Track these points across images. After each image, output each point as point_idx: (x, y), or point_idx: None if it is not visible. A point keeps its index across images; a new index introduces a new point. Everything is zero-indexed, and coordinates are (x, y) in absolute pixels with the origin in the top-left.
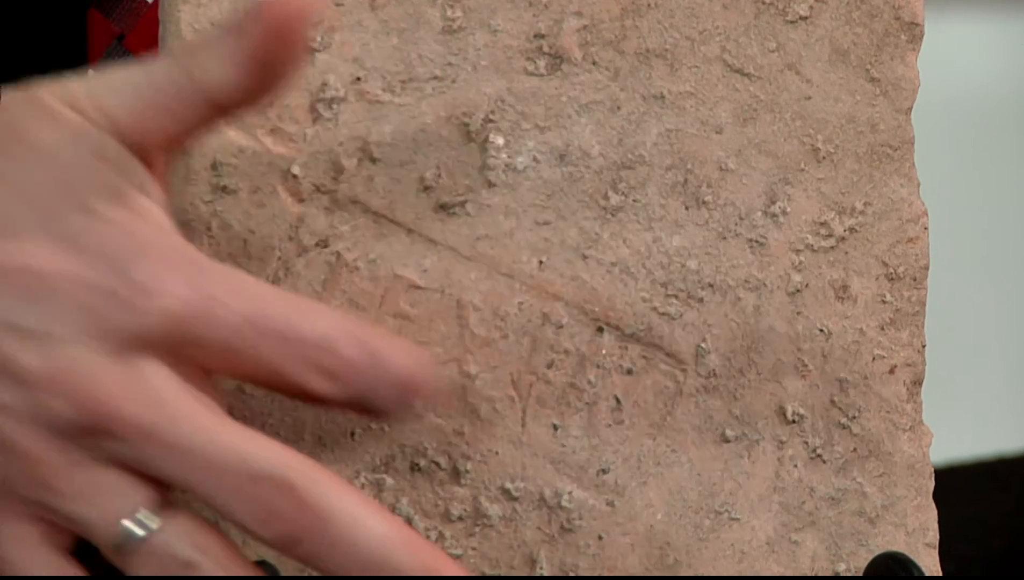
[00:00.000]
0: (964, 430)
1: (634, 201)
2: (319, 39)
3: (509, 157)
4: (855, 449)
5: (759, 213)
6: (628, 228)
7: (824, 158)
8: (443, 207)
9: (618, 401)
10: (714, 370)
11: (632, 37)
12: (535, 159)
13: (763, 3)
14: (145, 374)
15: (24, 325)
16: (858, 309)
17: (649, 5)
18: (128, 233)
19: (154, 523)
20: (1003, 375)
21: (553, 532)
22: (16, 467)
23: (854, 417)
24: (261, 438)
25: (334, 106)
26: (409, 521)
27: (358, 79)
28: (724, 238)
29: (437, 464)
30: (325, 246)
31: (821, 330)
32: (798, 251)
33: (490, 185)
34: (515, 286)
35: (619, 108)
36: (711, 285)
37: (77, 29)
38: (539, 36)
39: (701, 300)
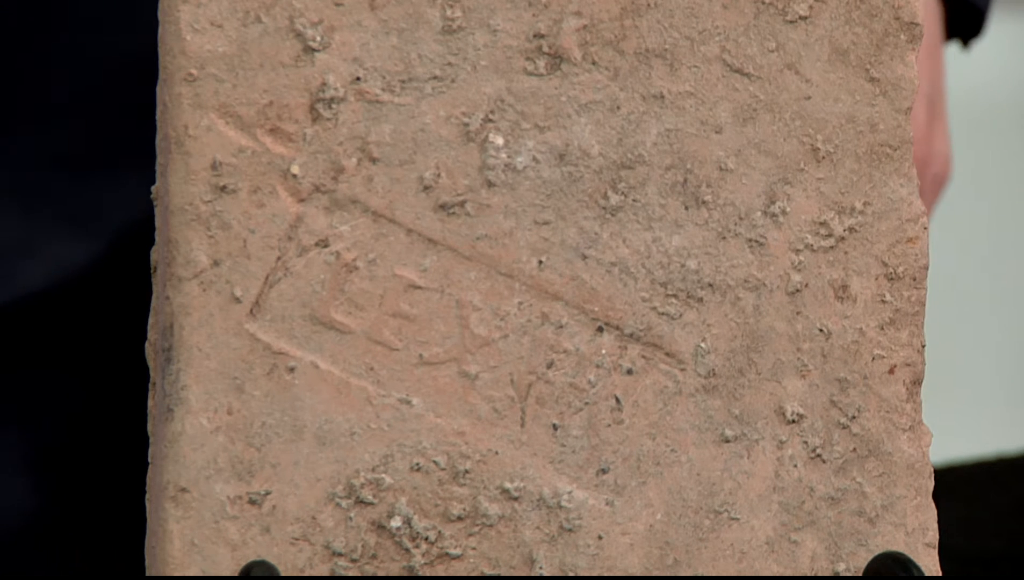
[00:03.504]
0: (964, 430)
1: (634, 201)
2: (319, 39)
3: (509, 157)
4: (855, 449)
5: (759, 213)
6: (628, 228)
7: (824, 158)
8: (443, 207)
9: (618, 401)
10: (714, 370)
11: (632, 37)
12: (535, 159)
13: (763, 3)
14: None
15: None
16: (858, 309)
17: (649, 5)
18: None
19: None
20: (1003, 375)
21: (552, 532)
22: None
23: (854, 417)
24: None
25: (334, 106)
26: (408, 521)
27: (358, 79)
28: (724, 238)
29: (436, 464)
30: (325, 246)
31: (821, 330)
32: (798, 251)
33: (490, 185)
34: (515, 286)
35: (619, 108)
36: (711, 285)
37: None
38: (539, 36)
39: (701, 300)
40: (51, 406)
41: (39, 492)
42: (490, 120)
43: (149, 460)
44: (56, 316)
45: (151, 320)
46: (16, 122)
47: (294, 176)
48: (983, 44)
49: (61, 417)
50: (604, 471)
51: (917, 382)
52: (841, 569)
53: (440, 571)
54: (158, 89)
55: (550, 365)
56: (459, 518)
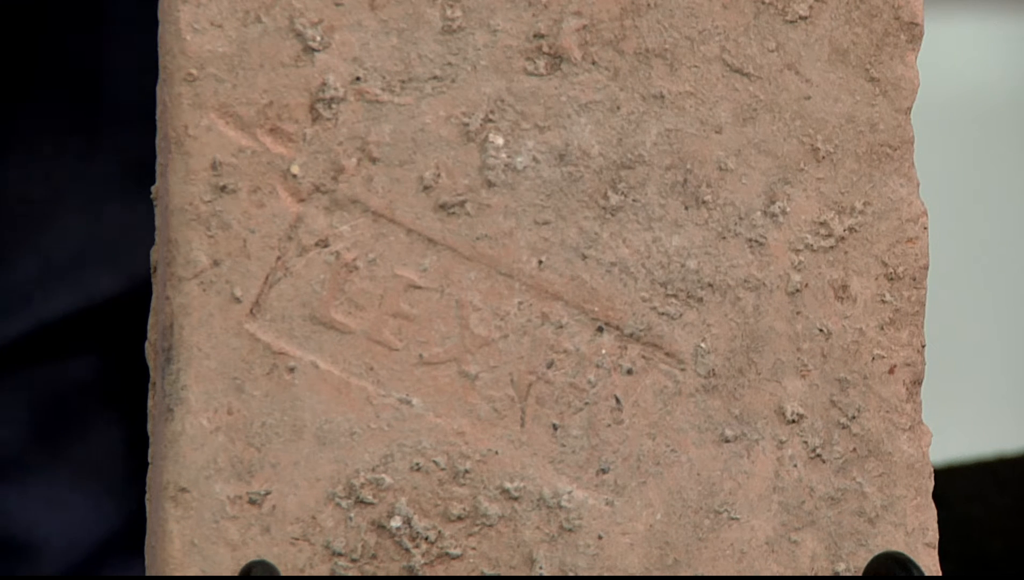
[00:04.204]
0: (964, 430)
1: (634, 201)
2: (319, 39)
3: (509, 157)
4: (855, 449)
5: (759, 213)
6: (628, 228)
7: (824, 158)
8: (443, 207)
9: (618, 401)
10: (714, 370)
11: (632, 37)
12: (535, 159)
13: (763, 3)
14: None
15: None
16: (858, 309)
17: (649, 5)
18: None
19: None
20: (1003, 375)
21: (552, 532)
22: None
23: (854, 417)
24: None
25: (334, 106)
26: (408, 521)
27: (358, 79)
28: (724, 238)
29: (436, 464)
30: (325, 246)
31: (821, 330)
32: (798, 251)
33: (490, 185)
34: (515, 286)
35: (619, 108)
36: (711, 285)
37: None
38: (539, 36)
39: (701, 300)
40: (129, 406)
41: (121, 494)
42: (490, 120)
43: (149, 460)
44: (131, 318)
45: (151, 320)
46: (90, 132)
47: (294, 176)
48: (983, 44)
49: (139, 416)
50: (604, 471)
51: (917, 382)
52: (841, 569)
53: (440, 571)
54: (158, 89)
55: (550, 365)
56: (459, 518)
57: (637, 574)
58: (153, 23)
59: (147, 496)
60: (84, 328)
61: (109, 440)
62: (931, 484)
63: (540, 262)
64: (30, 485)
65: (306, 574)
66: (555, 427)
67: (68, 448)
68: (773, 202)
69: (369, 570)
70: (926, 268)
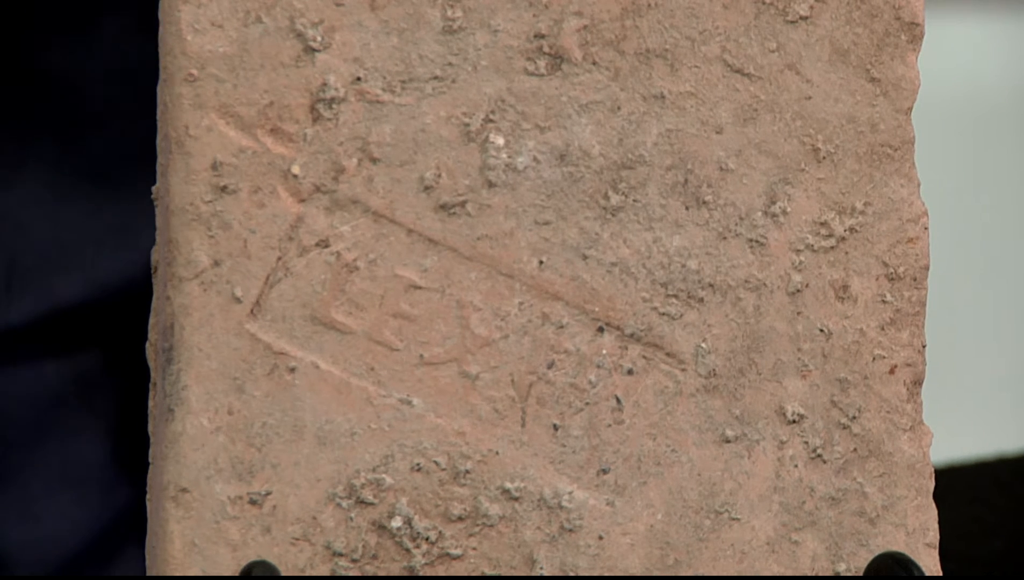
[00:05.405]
0: (964, 430)
1: (634, 201)
2: (319, 39)
3: (509, 157)
4: (855, 449)
5: (759, 213)
6: (628, 228)
7: (824, 158)
8: (443, 207)
9: (618, 401)
10: (714, 370)
11: (632, 37)
12: (535, 159)
13: (763, 3)
14: None
15: None
16: (858, 309)
17: (649, 5)
18: None
19: None
20: (1003, 375)
21: (553, 532)
22: None
23: (854, 417)
24: None
25: (334, 106)
26: (409, 521)
27: (358, 79)
28: (724, 238)
29: (437, 464)
30: (325, 246)
31: (821, 330)
32: (798, 251)
33: (490, 185)
34: (515, 286)
35: (619, 108)
36: (711, 285)
37: None
38: (539, 36)
39: (701, 300)
40: (104, 414)
41: (95, 505)
42: (491, 120)
43: (150, 460)
44: (103, 321)
45: (152, 320)
46: (59, 134)
47: (295, 176)
48: (983, 44)
49: (115, 424)
50: (605, 471)
51: (918, 382)
52: (842, 569)
53: (441, 571)
54: (159, 89)
55: (551, 365)
56: (460, 518)
57: (637, 574)
58: (124, 29)
59: (148, 496)
60: (52, 333)
61: (82, 450)
62: (932, 484)
63: (541, 262)
64: (1, 494)
65: (306, 574)
66: (556, 427)
67: (40, 457)
68: (774, 202)
69: (370, 570)
70: (927, 268)
